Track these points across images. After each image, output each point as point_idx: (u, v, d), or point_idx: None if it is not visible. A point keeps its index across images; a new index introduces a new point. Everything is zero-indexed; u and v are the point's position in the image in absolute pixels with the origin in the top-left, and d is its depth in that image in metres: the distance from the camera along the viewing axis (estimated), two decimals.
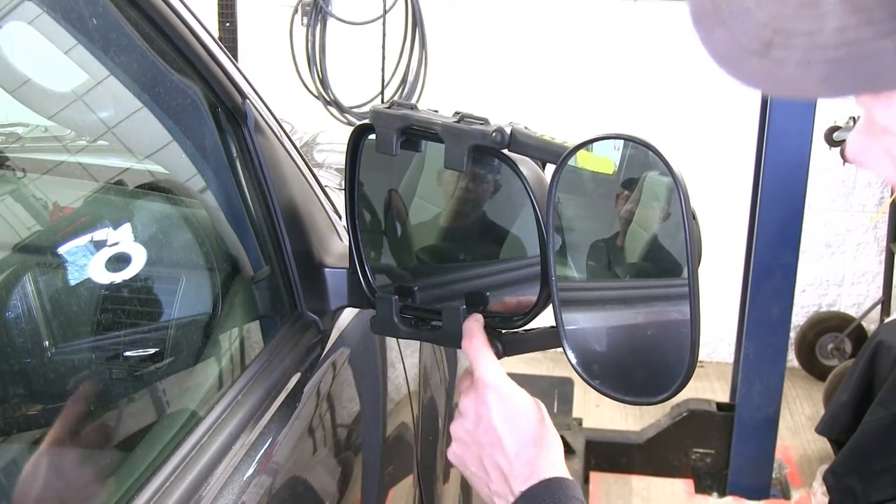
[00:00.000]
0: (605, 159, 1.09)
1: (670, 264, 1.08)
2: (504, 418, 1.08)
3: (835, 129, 4.27)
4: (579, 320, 1.13)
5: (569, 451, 3.71)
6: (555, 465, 1.07)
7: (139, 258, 1.17)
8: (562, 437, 3.31)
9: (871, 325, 4.78)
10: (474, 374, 1.13)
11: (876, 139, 0.58)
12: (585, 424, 4.03)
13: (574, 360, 1.12)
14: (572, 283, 1.13)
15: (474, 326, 1.16)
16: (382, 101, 4.05)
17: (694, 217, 1.02)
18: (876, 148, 0.59)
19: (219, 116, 1.31)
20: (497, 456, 1.08)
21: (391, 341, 1.69)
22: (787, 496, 3.81)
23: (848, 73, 0.50)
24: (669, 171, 1.01)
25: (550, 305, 1.13)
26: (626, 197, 1.10)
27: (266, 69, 3.89)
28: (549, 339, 1.17)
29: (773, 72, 0.52)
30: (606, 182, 1.10)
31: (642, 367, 1.12)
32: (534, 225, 1.14)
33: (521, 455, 1.07)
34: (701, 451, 3.81)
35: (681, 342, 1.04)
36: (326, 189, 1.62)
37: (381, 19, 3.99)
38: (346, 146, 1.25)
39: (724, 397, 4.05)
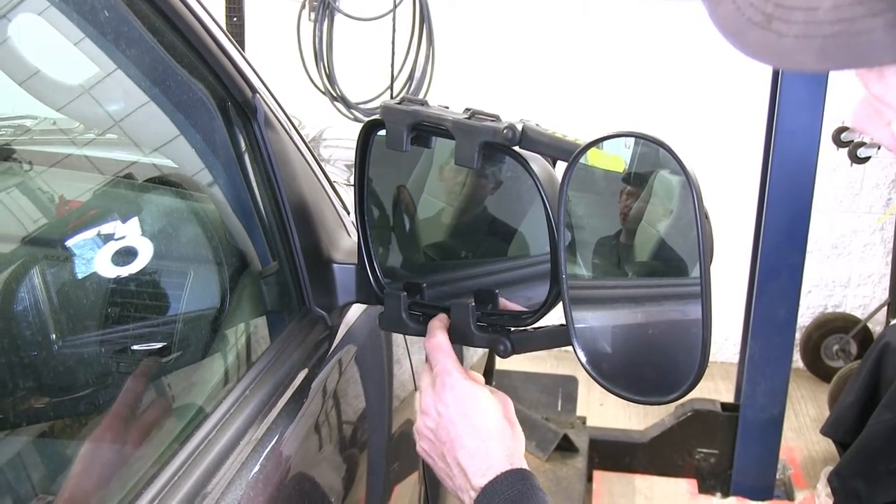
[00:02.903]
0: (615, 157, 1.08)
1: (681, 263, 1.07)
2: (462, 415, 1.12)
3: (842, 129, 4.26)
4: (589, 319, 1.12)
5: (572, 449, 3.71)
6: (511, 457, 1.11)
7: (147, 252, 1.16)
8: (565, 436, 3.31)
9: (876, 326, 4.78)
10: (433, 372, 1.17)
11: (876, 110, 0.61)
12: (589, 423, 4.02)
13: (584, 359, 1.11)
14: (582, 281, 1.13)
15: (437, 326, 1.20)
16: (391, 97, 4.05)
17: (706, 216, 1.01)
18: (876, 118, 0.62)
19: (228, 111, 1.31)
20: (457, 452, 1.12)
21: (397, 338, 1.69)
22: (790, 497, 3.80)
23: (842, 48, 0.53)
24: (682, 169, 1.00)
25: (560, 303, 1.13)
26: (629, 193, 1.09)
27: (273, 65, 3.88)
28: (559, 338, 1.16)
29: (773, 43, 0.55)
30: (617, 180, 1.10)
31: (652, 367, 1.12)
32: (544, 222, 1.14)
33: (479, 450, 1.11)
34: (705, 451, 3.80)
35: (691, 342, 1.04)
36: (335, 184, 1.61)
37: (391, 15, 3.98)
38: (354, 142, 1.24)
39: (728, 397, 4.04)
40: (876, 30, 0.51)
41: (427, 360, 1.21)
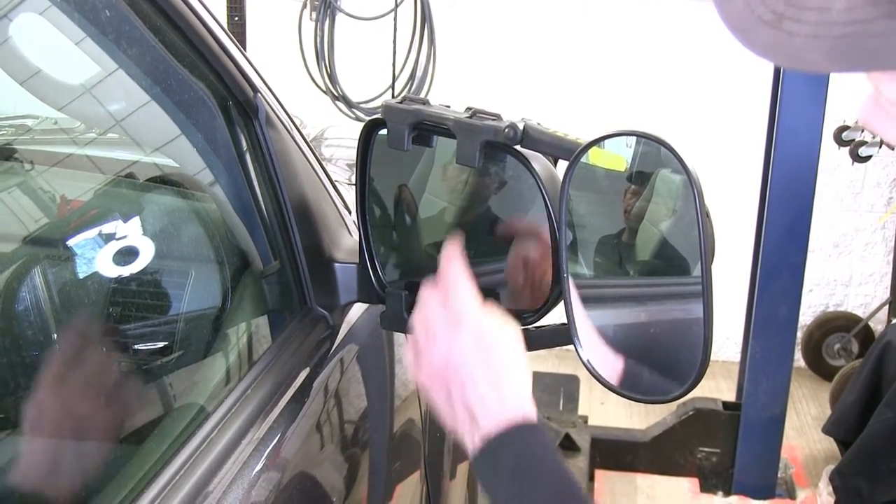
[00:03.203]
0: (617, 156, 1.08)
1: (683, 262, 1.07)
2: (477, 356, 1.04)
3: (844, 128, 4.26)
4: (591, 318, 1.12)
5: (574, 448, 3.71)
6: (523, 404, 1.03)
7: (148, 251, 1.16)
8: (567, 435, 3.31)
9: (878, 325, 4.78)
10: (449, 302, 1.08)
11: (884, 109, 0.60)
12: (591, 422, 4.02)
13: (585, 358, 1.11)
14: (584, 280, 1.13)
15: (453, 251, 1.11)
16: (393, 97, 4.05)
17: (707, 215, 1.01)
18: (883, 116, 0.61)
19: (230, 110, 1.31)
20: (467, 394, 1.04)
21: (399, 337, 1.69)
22: (792, 496, 3.80)
23: (853, 49, 0.52)
24: (684, 168, 1.00)
25: (562, 302, 1.13)
26: (634, 192, 1.09)
27: (275, 64, 3.88)
28: (561, 337, 1.16)
29: (783, 43, 0.54)
30: (618, 179, 1.10)
31: (654, 366, 1.12)
32: (545, 222, 1.14)
33: (490, 395, 1.03)
34: (706, 449, 3.80)
35: (693, 341, 1.04)
36: (336, 184, 1.61)
37: (392, 14, 3.98)
38: (355, 141, 1.24)
39: (730, 396, 4.04)
40: (890, 33, 0.50)
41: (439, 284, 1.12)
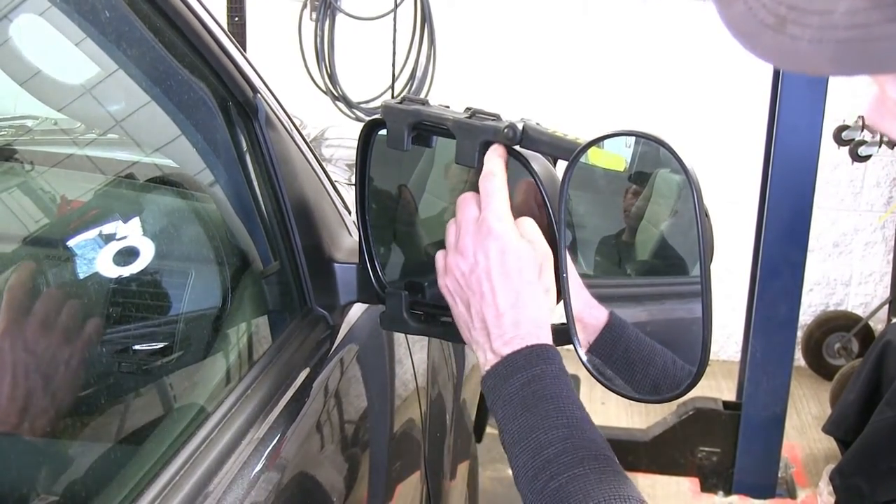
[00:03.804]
0: (616, 156, 1.08)
1: (682, 262, 1.07)
2: (500, 272, 1.04)
3: (843, 128, 4.25)
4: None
5: None
6: (540, 329, 1.04)
7: (148, 252, 1.17)
8: None
9: (878, 324, 4.78)
10: (483, 212, 1.07)
11: (889, 109, 0.60)
12: None
13: (584, 358, 1.11)
14: (583, 280, 1.13)
15: (497, 162, 1.10)
16: (392, 97, 4.05)
17: (706, 215, 1.01)
18: (889, 116, 0.60)
19: (229, 110, 1.31)
20: (485, 309, 1.04)
21: (399, 337, 1.69)
22: (792, 495, 3.80)
23: (857, 53, 0.51)
24: (682, 168, 1.00)
25: (561, 302, 1.13)
26: (634, 192, 1.10)
27: (275, 64, 3.88)
28: (560, 337, 1.16)
29: (787, 47, 0.53)
30: (618, 179, 1.10)
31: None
32: (545, 221, 1.14)
33: (507, 315, 1.03)
34: (707, 449, 3.80)
35: (692, 340, 1.04)
36: (336, 184, 1.61)
37: (392, 14, 3.98)
38: (355, 141, 1.24)
39: (730, 396, 4.04)
40: (893, 37, 0.49)
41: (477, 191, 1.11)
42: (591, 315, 1.12)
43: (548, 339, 1.04)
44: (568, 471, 0.95)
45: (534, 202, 1.14)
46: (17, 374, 0.96)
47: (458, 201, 1.11)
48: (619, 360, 1.11)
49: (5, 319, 0.96)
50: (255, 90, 1.33)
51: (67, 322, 1.00)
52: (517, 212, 1.10)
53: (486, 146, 1.12)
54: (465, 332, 1.09)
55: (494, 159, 1.10)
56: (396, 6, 4.00)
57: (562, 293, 1.11)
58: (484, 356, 1.05)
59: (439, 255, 1.13)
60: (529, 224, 1.08)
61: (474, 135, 1.12)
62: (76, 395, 1.02)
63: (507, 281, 1.04)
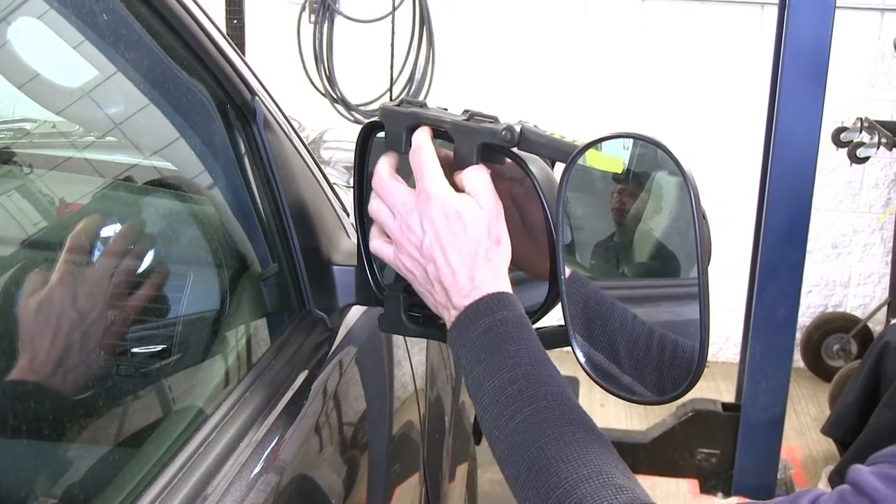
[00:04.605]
0: (614, 158, 1.08)
1: (679, 264, 1.07)
2: (448, 233, 1.08)
3: (842, 129, 4.26)
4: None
5: None
6: (496, 278, 1.08)
7: (147, 254, 1.17)
8: None
9: (877, 326, 4.78)
10: (419, 184, 1.11)
11: None
12: None
13: (582, 360, 1.11)
14: None
15: (422, 138, 1.14)
16: (391, 99, 4.05)
17: (704, 217, 1.01)
18: None
19: (228, 113, 1.31)
20: (441, 271, 1.08)
21: (398, 339, 1.69)
22: None
23: None
24: (680, 169, 1.01)
25: (559, 304, 1.13)
26: (631, 194, 1.10)
27: (273, 66, 3.89)
28: (558, 338, 1.16)
29: None
30: (616, 181, 1.10)
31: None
32: (543, 223, 1.14)
33: (461, 271, 1.07)
34: (706, 451, 3.80)
35: (689, 342, 1.04)
36: (334, 186, 1.61)
37: (390, 16, 3.99)
38: (354, 144, 1.24)
39: (729, 397, 4.04)
40: None
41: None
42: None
43: (505, 287, 1.08)
44: (532, 404, 0.98)
45: (529, 201, 1.15)
46: (62, 327, 0.99)
47: (379, 188, 1.15)
48: (577, 316, 1.12)
49: (63, 268, 1.01)
50: (253, 93, 1.33)
51: (107, 291, 1.05)
52: (517, 212, 1.11)
53: (484, 148, 1.12)
54: (430, 300, 1.13)
55: (420, 136, 1.14)
56: (395, 8, 4.00)
57: (559, 295, 1.11)
58: (448, 314, 1.09)
59: (377, 243, 1.17)
60: (475, 178, 1.11)
61: (472, 137, 1.12)
62: (96, 374, 1.03)
63: (455, 240, 1.08)
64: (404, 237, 1.12)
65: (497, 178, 1.14)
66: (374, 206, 1.16)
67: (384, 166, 1.16)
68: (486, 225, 1.09)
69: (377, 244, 1.18)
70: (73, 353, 1.00)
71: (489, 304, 1.06)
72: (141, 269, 1.14)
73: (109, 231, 1.15)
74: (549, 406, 0.98)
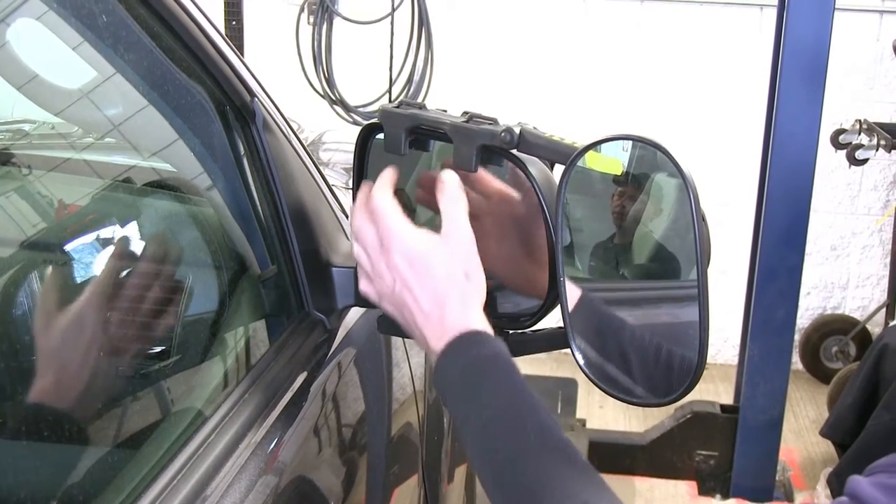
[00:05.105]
0: (613, 160, 1.09)
1: (679, 266, 1.07)
2: (414, 278, 1.08)
3: (841, 131, 4.26)
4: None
5: None
6: (466, 316, 1.07)
7: (146, 255, 1.16)
8: None
9: (875, 328, 4.78)
10: (379, 231, 1.12)
11: None
12: (589, 425, 4.02)
13: (581, 361, 1.11)
14: (581, 283, 1.13)
15: (383, 178, 1.15)
16: (390, 101, 4.05)
17: (703, 218, 1.01)
18: None
19: (227, 114, 1.31)
20: (416, 316, 1.09)
21: (397, 341, 1.69)
22: (790, 499, 3.79)
23: None
24: (679, 172, 1.01)
25: (558, 306, 1.13)
26: (631, 195, 1.10)
27: (272, 68, 3.89)
28: (557, 340, 1.16)
29: None
30: (615, 183, 1.10)
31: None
32: (542, 225, 1.14)
33: (433, 314, 1.07)
34: (704, 452, 3.80)
35: (689, 343, 1.04)
36: (333, 188, 1.61)
37: (389, 18, 3.99)
38: (353, 145, 1.24)
39: (728, 399, 4.04)
40: None
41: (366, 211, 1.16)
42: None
43: (477, 323, 1.07)
44: (512, 440, 0.98)
45: (527, 204, 1.15)
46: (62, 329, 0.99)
47: (355, 229, 1.15)
48: (591, 332, 1.12)
49: (65, 271, 1.03)
50: (252, 94, 1.33)
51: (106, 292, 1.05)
52: (516, 216, 1.12)
53: (483, 150, 1.12)
54: (417, 343, 1.13)
55: (382, 175, 1.15)
56: (394, 10, 4.00)
57: (558, 297, 1.11)
58: (432, 356, 1.09)
59: (364, 285, 1.18)
60: (451, 212, 1.11)
61: (472, 139, 1.12)
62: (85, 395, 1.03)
63: (422, 284, 1.08)
64: (380, 283, 1.13)
65: (486, 193, 1.15)
66: (355, 249, 1.17)
67: (360, 200, 1.16)
68: (452, 263, 1.09)
69: (364, 286, 1.18)
70: (74, 354, 1.00)
71: (460, 345, 1.05)
72: (140, 271, 1.14)
73: (108, 233, 1.15)
74: (528, 439, 0.97)
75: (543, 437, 0.98)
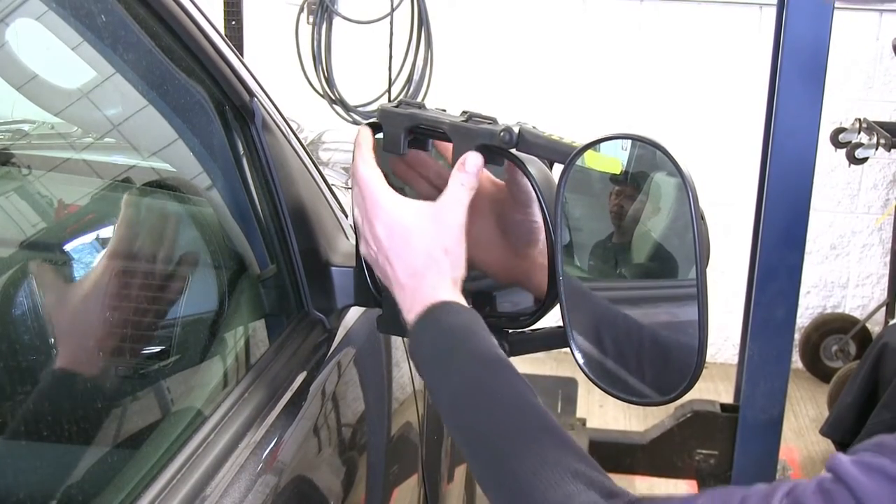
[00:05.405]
0: (612, 159, 1.08)
1: (678, 265, 1.07)
2: (393, 247, 1.10)
3: (840, 130, 4.26)
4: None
5: None
6: (437, 288, 1.07)
7: (146, 256, 1.17)
8: None
9: (875, 327, 4.78)
10: (363, 198, 1.13)
11: None
12: (589, 425, 4.02)
13: (581, 361, 1.11)
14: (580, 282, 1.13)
15: (363, 145, 1.16)
16: (389, 100, 4.05)
17: (703, 218, 1.01)
18: None
19: (226, 114, 1.31)
20: (393, 286, 1.11)
21: (396, 340, 1.69)
22: None
23: None
24: (678, 171, 1.01)
25: (558, 305, 1.13)
26: (630, 195, 1.10)
27: (271, 68, 3.89)
28: (556, 340, 1.16)
29: None
30: (614, 182, 1.10)
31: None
32: (541, 225, 1.14)
33: (408, 285, 1.09)
34: (704, 452, 3.80)
35: (688, 343, 1.04)
36: (333, 188, 1.61)
37: (389, 18, 3.98)
38: (352, 145, 1.24)
39: (728, 398, 4.04)
40: None
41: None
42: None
43: (448, 295, 1.07)
44: (485, 409, 0.98)
45: (526, 203, 1.16)
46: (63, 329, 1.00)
47: (352, 193, 1.17)
48: (590, 331, 1.12)
49: (64, 270, 1.04)
50: (251, 94, 1.33)
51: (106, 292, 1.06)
52: (513, 214, 1.11)
53: (482, 149, 1.12)
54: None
55: (361, 142, 1.17)
56: (393, 9, 4.00)
57: (558, 296, 1.11)
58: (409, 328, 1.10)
59: (363, 246, 1.19)
60: (456, 188, 1.11)
61: (471, 138, 1.12)
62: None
63: (398, 255, 1.10)
64: (368, 249, 1.15)
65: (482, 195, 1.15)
66: (355, 212, 1.18)
67: (358, 156, 1.16)
68: (433, 236, 1.09)
69: (363, 248, 1.19)
70: (73, 353, 1.00)
71: (430, 316, 1.06)
72: (139, 270, 1.14)
73: (108, 233, 1.15)
74: (502, 408, 0.98)
75: (517, 406, 0.98)
